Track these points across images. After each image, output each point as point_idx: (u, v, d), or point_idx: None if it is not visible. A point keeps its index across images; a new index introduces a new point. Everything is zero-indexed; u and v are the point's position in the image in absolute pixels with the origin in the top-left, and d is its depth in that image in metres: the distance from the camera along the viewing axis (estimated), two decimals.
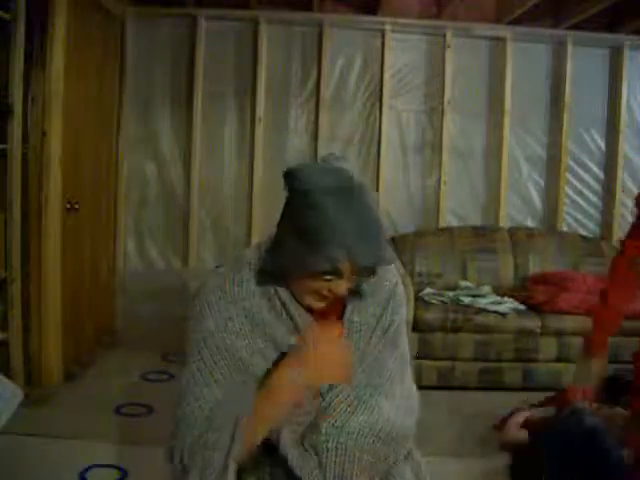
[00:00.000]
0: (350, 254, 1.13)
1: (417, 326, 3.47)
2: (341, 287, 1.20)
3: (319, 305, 1.24)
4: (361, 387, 1.25)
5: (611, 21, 4.33)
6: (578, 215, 4.50)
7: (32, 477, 2.37)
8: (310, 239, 1.13)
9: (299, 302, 1.26)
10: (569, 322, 3.51)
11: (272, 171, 4.30)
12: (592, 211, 4.51)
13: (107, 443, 2.65)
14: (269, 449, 1.22)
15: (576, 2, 4.05)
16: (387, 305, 1.33)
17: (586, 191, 4.49)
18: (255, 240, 4.29)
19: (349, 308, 1.31)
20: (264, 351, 1.25)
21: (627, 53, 4.33)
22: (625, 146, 4.42)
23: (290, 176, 1.17)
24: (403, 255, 4.01)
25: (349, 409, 1.20)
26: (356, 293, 1.30)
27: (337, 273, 1.17)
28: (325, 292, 1.21)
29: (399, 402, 1.29)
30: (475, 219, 4.45)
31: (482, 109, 4.41)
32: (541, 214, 4.50)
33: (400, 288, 1.37)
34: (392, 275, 1.36)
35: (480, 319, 3.49)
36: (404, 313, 1.38)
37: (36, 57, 3.01)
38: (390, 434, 1.23)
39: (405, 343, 1.39)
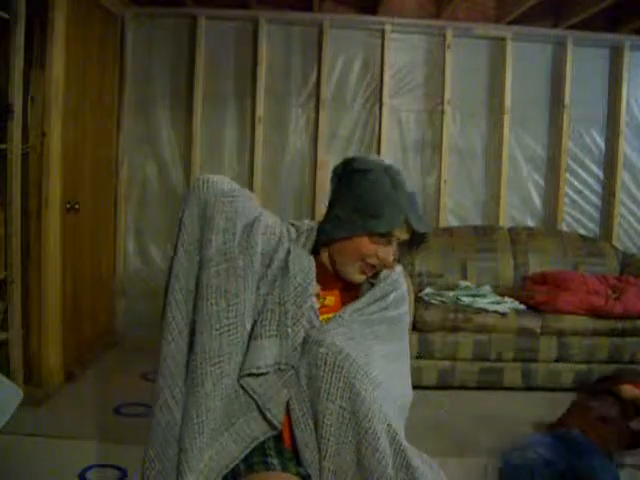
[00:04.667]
0: (406, 219, 1.35)
1: (417, 326, 3.47)
2: (389, 254, 1.38)
3: (360, 278, 1.39)
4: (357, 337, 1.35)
5: (611, 21, 4.33)
6: (578, 215, 4.50)
7: (32, 477, 2.37)
8: (372, 208, 1.34)
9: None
10: (569, 322, 3.51)
11: (272, 171, 4.30)
12: (592, 211, 4.51)
13: (107, 443, 2.65)
14: None
15: (576, 2, 4.05)
16: (390, 293, 1.45)
17: (586, 191, 4.49)
18: None
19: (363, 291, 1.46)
20: None
21: (627, 53, 4.32)
22: (625, 146, 4.42)
23: (351, 160, 1.42)
24: (403, 255, 4.00)
25: (346, 341, 1.30)
26: (371, 285, 1.45)
27: (392, 235, 1.36)
28: (373, 259, 1.37)
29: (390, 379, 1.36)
30: (475, 219, 4.45)
31: (482, 109, 4.41)
32: (541, 214, 4.50)
33: (404, 288, 1.50)
34: (401, 278, 1.51)
35: (480, 319, 3.49)
36: (406, 310, 1.48)
37: (36, 57, 3.01)
38: (377, 382, 1.29)
39: (406, 342, 1.48)
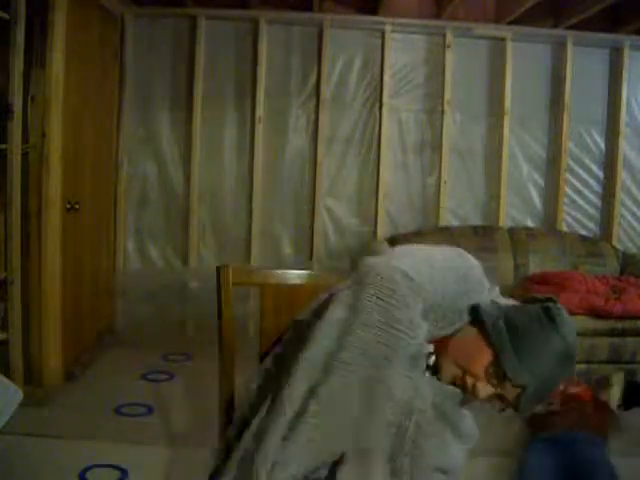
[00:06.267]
0: (529, 386, 1.17)
1: None
2: (482, 390, 1.21)
3: (447, 380, 1.25)
4: None
5: (611, 21, 4.33)
6: (578, 215, 4.50)
7: (32, 477, 2.37)
8: (523, 348, 1.16)
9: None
10: None
11: (272, 171, 4.30)
12: (592, 211, 4.51)
13: (107, 443, 2.65)
14: None
15: (576, 2, 4.05)
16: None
17: (586, 191, 4.49)
18: (256, 240, 4.29)
19: None
20: None
21: (627, 53, 4.33)
22: (625, 146, 4.42)
23: (559, 313, 1.20)
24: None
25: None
26: None
27: (503, 381, 1.19)
28: (471, 379, 1.21)
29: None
30: (475, 219, 4.45)
31: (482, 109, 4.41)
32: (541, 214, 4.50)
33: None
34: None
35: None
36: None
37: (36, 57, 3.01)
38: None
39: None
